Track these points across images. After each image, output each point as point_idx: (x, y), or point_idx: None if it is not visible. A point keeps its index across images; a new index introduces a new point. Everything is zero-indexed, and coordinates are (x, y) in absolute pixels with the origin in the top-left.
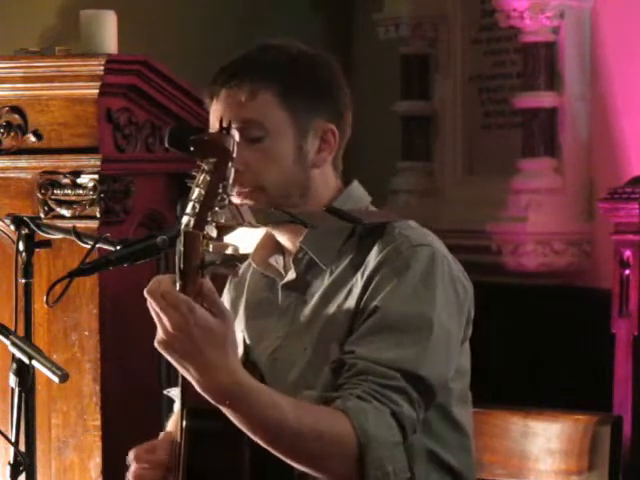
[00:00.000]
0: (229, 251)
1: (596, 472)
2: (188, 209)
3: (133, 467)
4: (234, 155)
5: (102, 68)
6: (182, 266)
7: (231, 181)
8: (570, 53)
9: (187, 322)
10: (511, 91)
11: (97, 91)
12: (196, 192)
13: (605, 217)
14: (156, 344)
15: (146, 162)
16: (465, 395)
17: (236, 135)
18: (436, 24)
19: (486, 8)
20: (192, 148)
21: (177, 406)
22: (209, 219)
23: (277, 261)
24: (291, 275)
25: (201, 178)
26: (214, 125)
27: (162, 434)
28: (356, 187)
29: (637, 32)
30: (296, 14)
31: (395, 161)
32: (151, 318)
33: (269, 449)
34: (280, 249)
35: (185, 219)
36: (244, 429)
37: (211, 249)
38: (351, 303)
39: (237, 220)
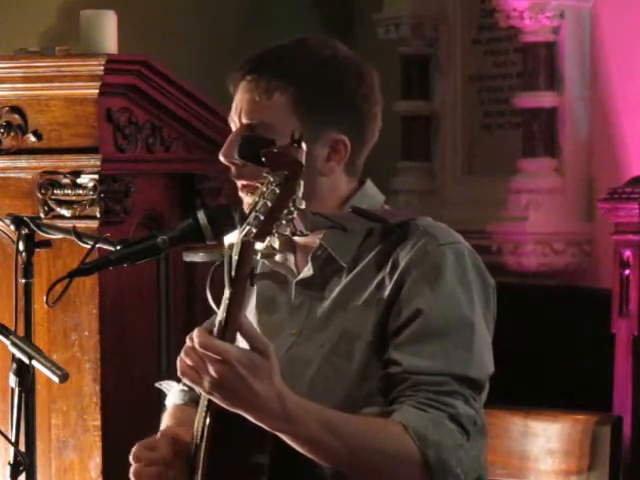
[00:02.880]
0: (278, 259)
1: (596, 472)
2: (250, 219)
3: (133, 466)
4: (304, 169)
5: (102, 68)
6: (234, 274)
7: (300, 194)
8: (570, 53)
9: (231, 363)
10: (511, 91)
11: (97, 91)
12: (261, 203)
13: (605, 217)
14: (204, 393)
15: (146, 162)
16: (486, 394)
17: (305, 148)
18: (436, 24)
19: (486, 8)
20: (264, 159)
21: (170, 401)
22: (273, 231)
23: (288, 259)
24: (307, 272)
25: (268, 190)
26: (233, 112)
27: (161, 430)
28: (370, 187)
29: (637, 32)
30: (296, 14)
31: (395, 161)
32: (151, 318)
33: (334, 468)
34: (290, 247)
35: (245, 229)
36: (303, 451)
37: (259, 257)
38: (380, 302)
39: (291, 229)
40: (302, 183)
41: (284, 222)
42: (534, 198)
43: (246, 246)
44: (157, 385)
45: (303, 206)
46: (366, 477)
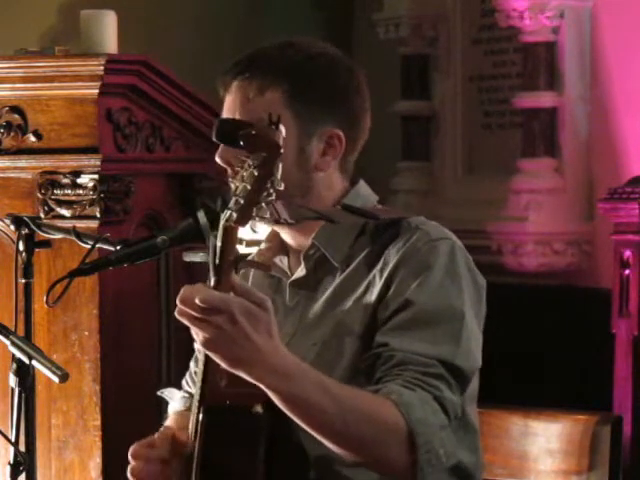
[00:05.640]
0: (262, 247)
1: (596, 472)
2: (231, 204)
3: (132, 464)
4: (282, 150)
5: (102, 68)
6: (218, 261)
7: (279, 176)
8: (570, 53)
9: (232, 314)
10: (511, 91)
11: (97, 91)
12: (241, 187)
13: (605, 217)
14: (202, 346)
15: (146, 162)
16: (475, 393)
17: (283, 130)
18: (436, 24)
19: (486, 8)
20: (242, 142)
21: (172, 407)
22: (254, 214)
23: (282, 261)
24: (300, 272)
25: (247, 173)
26: (225, 114)
27: (160, 430)
28: (363, 186)
29: (637, 32)
30: (296, 14)
31: (395, 161)
32: (151, 318)
33: (319, 436)
34: (284, 249)
35: (226, 214)
36: (293, 414)
37: (244, 245)
38: (370, 299)
39: (274, 217)
40: (280, 165)
41: (264, 205)
42: (534, 198)
43: (229, 232)
44: (159, 393)
45: (282, 187)
46: (353, 445)
